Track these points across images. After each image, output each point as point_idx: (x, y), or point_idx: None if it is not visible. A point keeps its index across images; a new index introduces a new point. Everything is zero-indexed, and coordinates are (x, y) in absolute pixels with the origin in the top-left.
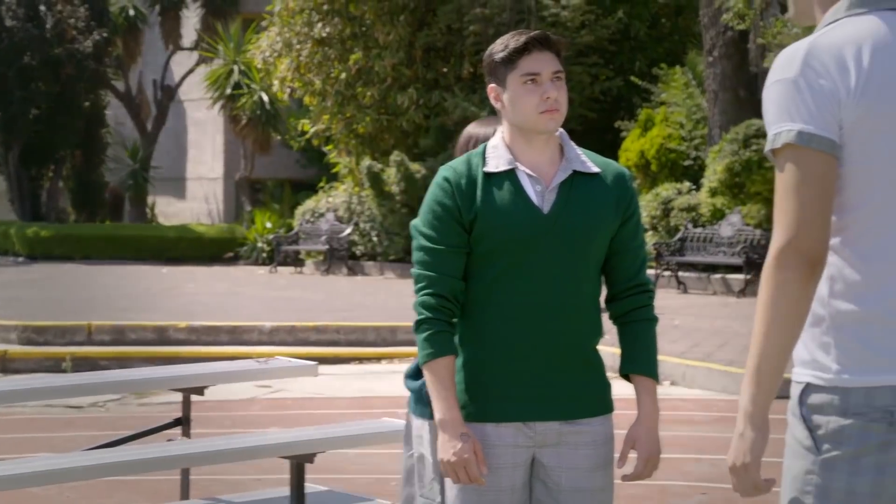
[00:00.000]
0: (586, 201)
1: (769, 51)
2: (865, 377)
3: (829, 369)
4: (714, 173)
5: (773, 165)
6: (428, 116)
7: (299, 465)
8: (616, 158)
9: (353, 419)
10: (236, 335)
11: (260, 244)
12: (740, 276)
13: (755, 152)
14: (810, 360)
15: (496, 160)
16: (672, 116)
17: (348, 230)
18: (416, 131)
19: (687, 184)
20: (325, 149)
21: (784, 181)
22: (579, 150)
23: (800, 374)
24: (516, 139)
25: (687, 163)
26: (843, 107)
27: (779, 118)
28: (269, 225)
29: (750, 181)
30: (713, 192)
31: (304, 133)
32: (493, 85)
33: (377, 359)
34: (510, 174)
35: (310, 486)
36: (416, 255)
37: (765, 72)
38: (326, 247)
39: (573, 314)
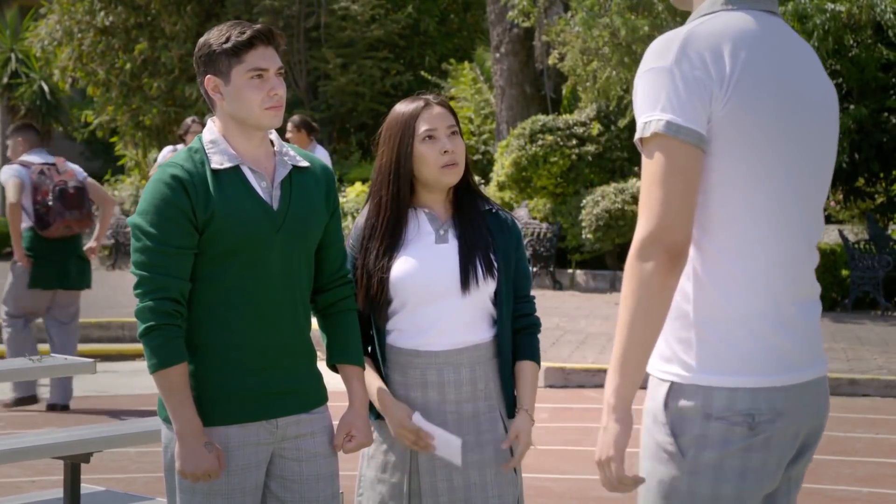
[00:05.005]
0: (306, 196)
1: (553, 48)
2: (726, 377)
3: (690, 367)
4: (502, 168)
5: (557, 161)
6: None
7: (74, 465)
8: None
9: (135, 417)
10: None
11: None
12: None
13: (541, 147)
14: (671, 356)
15: (219, 156)
16: (461, 111)
17: None
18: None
19: (476, 178)
20: (111, 141)
21: (650, 171)
22: (284, 144)
23: (662, 372)
24: (234, 133)
25: (476, 157)
26: (714, 99)
27: (649, 107)
28: None
29: (536, 176)
30: (501, 187)
31: (87, 124)
32: (210, 76)
33: None
34: (236, 171)
35: (86, 487)
36: (140, 257)
37: (549, 69)
38: (112, 241)
39: (301, 308)
